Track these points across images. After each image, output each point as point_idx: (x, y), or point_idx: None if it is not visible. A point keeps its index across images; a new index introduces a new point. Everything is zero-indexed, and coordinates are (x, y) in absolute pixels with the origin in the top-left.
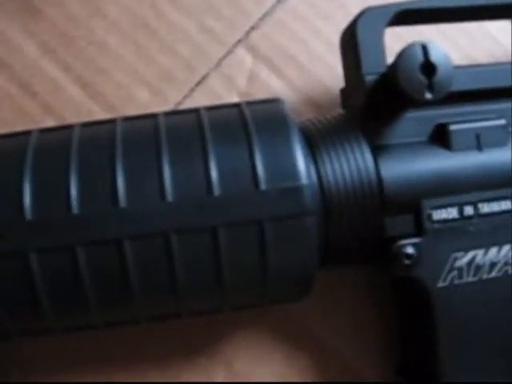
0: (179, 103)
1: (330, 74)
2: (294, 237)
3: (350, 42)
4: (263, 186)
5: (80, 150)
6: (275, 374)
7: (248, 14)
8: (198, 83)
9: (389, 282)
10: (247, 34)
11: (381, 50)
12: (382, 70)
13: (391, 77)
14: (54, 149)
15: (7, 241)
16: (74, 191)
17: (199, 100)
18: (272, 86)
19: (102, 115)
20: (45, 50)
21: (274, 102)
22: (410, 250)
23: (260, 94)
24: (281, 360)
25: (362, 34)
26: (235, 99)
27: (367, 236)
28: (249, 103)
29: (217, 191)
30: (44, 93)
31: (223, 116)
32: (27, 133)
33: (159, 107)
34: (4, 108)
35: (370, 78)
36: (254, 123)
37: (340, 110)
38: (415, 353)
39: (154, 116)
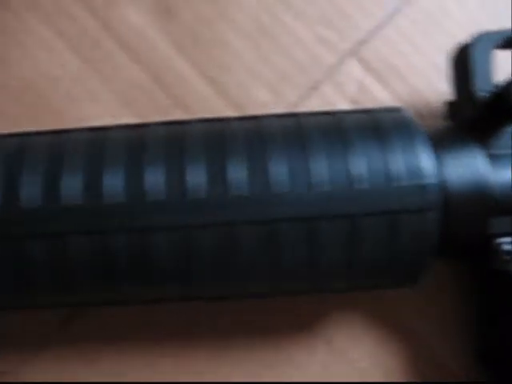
0: (295, 105)
1: (431, 88)
2: (417, 229)
3: (463, 61)
4: (395, 182)
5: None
6: (368, 354)
7: (359, 28)
8: (312, 88)
9: (480, 277)
10: (358, 46)
11: (490, 70)
12: (491, 87)
13: (505, 95)
14: (195, 140)
15: (129, 220)
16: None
17: (313, 103)
18: (379, 97)
19: (225, 110)
20: (177, 47)
21: (400, 109)
22: (508, 247)
23: (368, 104)
24: (376, 341)
25: (475, 55)
26: (346, 106)
27: (474, 232)
28: (377, 110)
29: (356, 185)
30: (174, 86)
31: (358, 119)
32: (145, 125)
33: (277, 107)
34: (138, 98)
35: (480, 95)
36: (387, 127)
37: (443, 121)
38: (502, 348)
39: (296, 115)
